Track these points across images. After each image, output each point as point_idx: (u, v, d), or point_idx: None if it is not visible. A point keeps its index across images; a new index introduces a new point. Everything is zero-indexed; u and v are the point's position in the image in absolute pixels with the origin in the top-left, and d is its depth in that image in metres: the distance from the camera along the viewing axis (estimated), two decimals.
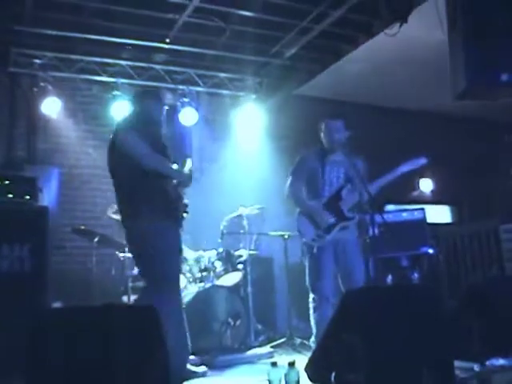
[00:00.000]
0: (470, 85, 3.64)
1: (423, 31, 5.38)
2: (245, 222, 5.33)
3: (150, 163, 3.42)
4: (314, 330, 3.88)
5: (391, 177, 4.00)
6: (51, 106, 5.73)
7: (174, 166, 3.67)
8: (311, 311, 3.91)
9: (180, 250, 3.69)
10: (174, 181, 3.63)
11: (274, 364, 2.90)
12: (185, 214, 3.65)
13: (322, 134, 4.09)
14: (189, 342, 3.69)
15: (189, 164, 3.79)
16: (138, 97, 3.90)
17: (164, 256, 3.43)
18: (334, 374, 2.86)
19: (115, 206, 4.91)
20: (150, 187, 3.44)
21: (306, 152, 4.19)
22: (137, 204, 3.42)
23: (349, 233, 3.99)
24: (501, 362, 3.30)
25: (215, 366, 4.20)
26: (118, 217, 4.78)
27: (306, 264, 3.97)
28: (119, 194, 3.56)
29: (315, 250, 3.87)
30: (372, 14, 5.26)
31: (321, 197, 3.99)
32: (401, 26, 4.82)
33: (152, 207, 3.41)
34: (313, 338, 3.93)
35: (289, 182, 4.09)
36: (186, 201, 3.71)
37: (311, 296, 3.91)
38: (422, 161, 4.06)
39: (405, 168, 4.02)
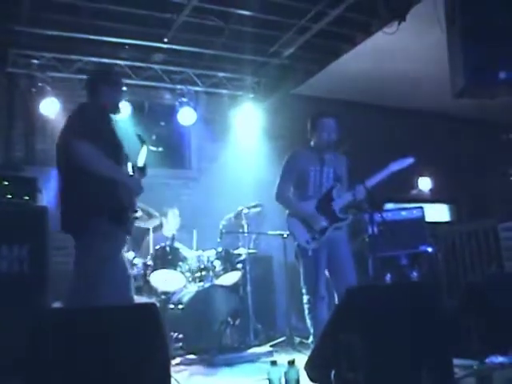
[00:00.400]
0: (469, 83, 3.65)
1: (422, 29, 5.38)
2: (244, 221, 5.34)
3: (97, 169, 3.13)
4: (312, 330, 3.87)
5: (380, 177, 3.96)
6: (49, 107, 5.71)
7: (129, 166, 3.42)
8: (306, 312, 3.89)
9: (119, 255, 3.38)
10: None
11: (273, 363, 2.90)
12: (135, 222, 3.45)
13: (314, 133, 4.07)
14: None
15: (143, 152, 3.53)
16: (91, 84, 3.51)
17: (105, 263, 3.16)
18: (333, 373, 2.87)
19: None
20: (101, 192, 3.17)
21: (296, 151, 4.15)
22: (85, 210, 3.15)
23: (341, 232, 3.99)
24: (500, 359, 3.31)
25: (215, 365, 4.21)
26: None
27: (301, 266, 3.94)
28: (66, 193, 3.27)
29: (310, 253, 3.85)
30: (370, 13, 5.26)
31: (310, 197, 3.97)
32: (399, 24, 4.83)
33: (102, 215, 3.15)
34: (311, 338, 3.93)
35: (277, 183, 4.07)
36: (137, 207, 3.47)
37: (306, 297, 3.90)
38: (410, 160, 4.03)
39: (393, 168, 3.99)
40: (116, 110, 3.51)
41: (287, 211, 4.04)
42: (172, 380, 2.52)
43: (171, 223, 5.49)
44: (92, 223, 3.14)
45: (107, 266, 3.14)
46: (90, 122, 3.21)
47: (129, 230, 3.35)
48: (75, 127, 3.20)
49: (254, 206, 5.37)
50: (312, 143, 4.11)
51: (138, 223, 4.92)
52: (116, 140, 3.37)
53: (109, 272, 3.15)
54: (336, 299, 3.87)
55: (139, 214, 4.83)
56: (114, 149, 3.31)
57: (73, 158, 3.10)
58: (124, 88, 3.61)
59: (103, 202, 3.18)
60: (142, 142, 3.60)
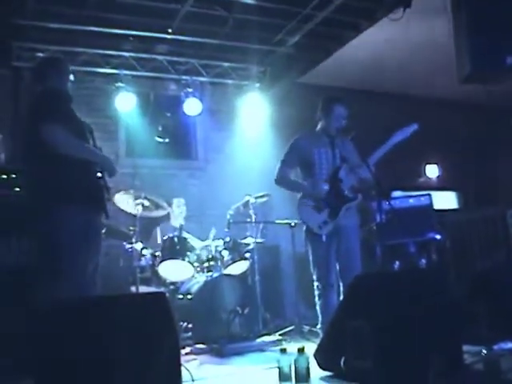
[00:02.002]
0: (475, 68, 3.63)
1: (427, 15, 5.34)
2: (251, 211, 5.34)
3: (74, 152, 3.13)
4: (320, 317, 3.90)
5: (385, 149, 3.93)
6: None
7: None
8: (316, 298, 3.92)
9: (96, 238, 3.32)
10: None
11: (283, 350, 2.92)
12: (107, 202, 3.40)
13: (324, 118, 4.05)
14: None
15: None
16: (40, 71, 3.47)
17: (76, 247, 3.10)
18: (343, 360, 2.88)
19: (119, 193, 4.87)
20: (75, 177, 3.16)
21: (298, 137, 4.13)
22: (55, 196, 3.12)
23: (351, 218, 3.98)
24: (509, 345, 3.31)
25: (224, 354, 4.23)
26: (122, 205, 4.82)
27: (311, 253, 3.95)
28: (34, 182, 3.25)
29: (324, 239, 3.85)
30: (375, 0, 5.22)
31: (319, 180, 3.96)
32: (404, 10, 4.79)
33: (72, 201, 3.12)
34: (319, 325, 3.95)
35: (277, 168, 4.08)
36: (109, 186, 3.42)
37: (316, 284, 3.92)
38: (413, 127, 3.98)
39: (397, 138, 3.95)
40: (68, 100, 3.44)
41: (299, 198, 4.02)
42: (182, 369, 2.54)
43: (177, 212, 5.51)
44: (58, 210, 3.08)
45: (66, 254, 3.07)
46: (56, 105, 3.19)
47: (105, 211, 3.33)
48: (43, 113, 3.15)
49: (261, 196, 5.37)
50: (319, 126, 4.11)
51: (146, 214, 4.96)
52: (79, 121, 3.36)
53: (68, 259, 3.08)
54: (341, 288, 3.88)
55: (146, 203, 4.86)
56: (80, 129, 3.30)
57: (48, 144, 3.05)
58: (71, 76, 3.53)
59: (77, 187, 3.15)
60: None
